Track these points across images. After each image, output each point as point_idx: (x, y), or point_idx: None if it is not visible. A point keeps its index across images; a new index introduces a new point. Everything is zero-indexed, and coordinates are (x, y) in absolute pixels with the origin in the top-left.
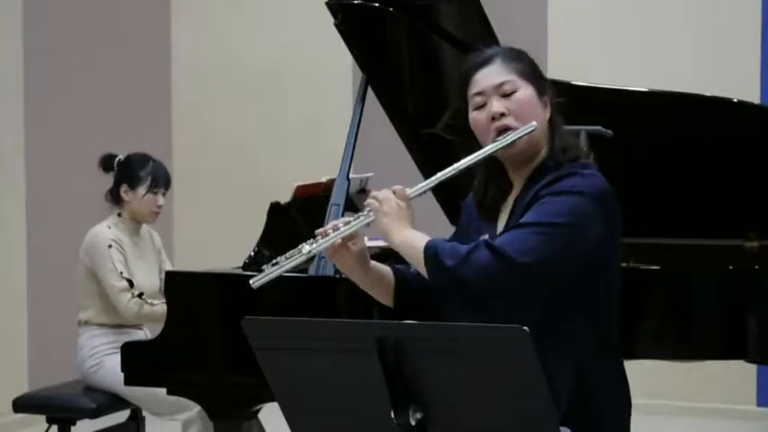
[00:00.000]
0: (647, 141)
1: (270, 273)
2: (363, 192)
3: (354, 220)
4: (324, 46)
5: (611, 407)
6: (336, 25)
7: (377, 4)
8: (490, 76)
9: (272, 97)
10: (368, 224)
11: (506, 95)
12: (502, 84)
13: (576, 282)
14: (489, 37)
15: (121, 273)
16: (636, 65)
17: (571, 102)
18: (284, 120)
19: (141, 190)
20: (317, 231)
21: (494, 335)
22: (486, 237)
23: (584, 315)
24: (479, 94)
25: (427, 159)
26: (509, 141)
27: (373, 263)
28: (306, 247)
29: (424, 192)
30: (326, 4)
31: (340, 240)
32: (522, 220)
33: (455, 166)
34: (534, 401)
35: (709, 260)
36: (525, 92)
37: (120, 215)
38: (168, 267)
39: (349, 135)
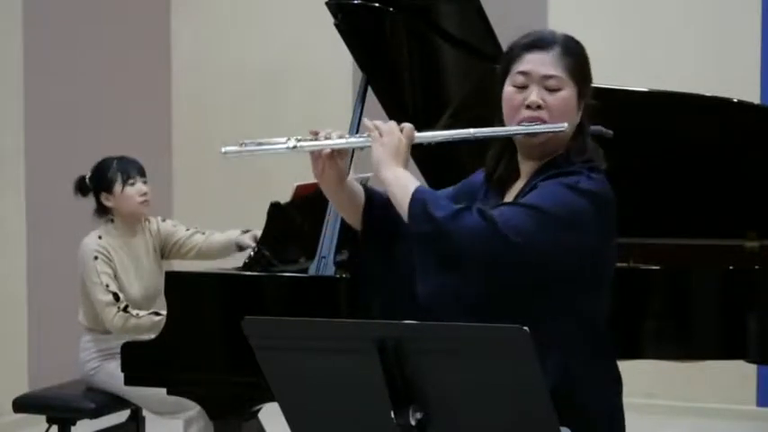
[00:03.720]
0: (647, 141)
1: (247, 149)
2: None
3: (351, 137)
4: (324, 46)
5: (599, 409)
6: (336, 25)
7: (377, 4)
8: (542, 63)
9: (272, 97)
10: (361, 148)
11: (550, 90)
12: (550, 77)
13: (567, 288)
14: (489, 37)
15: (107, 286)
16: (636, 65)
17: None
18: (284, 120)
19: (117, 188)
20: (312, 131)
21: (494, 335)
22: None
23: (574, 319)
24: (524, 74)
25: (427, 159)
26: (532, 131)
27: (348, 179)
28: (292, 141)
29: (431, 143)
30: (326, 4)
31: (330, 150)
32: (520, 200)
33: (472, 131)
34: (534, 401)
35: (710, 260)
36: (568, 93)
37: (112, 221)
38: (184, 232)
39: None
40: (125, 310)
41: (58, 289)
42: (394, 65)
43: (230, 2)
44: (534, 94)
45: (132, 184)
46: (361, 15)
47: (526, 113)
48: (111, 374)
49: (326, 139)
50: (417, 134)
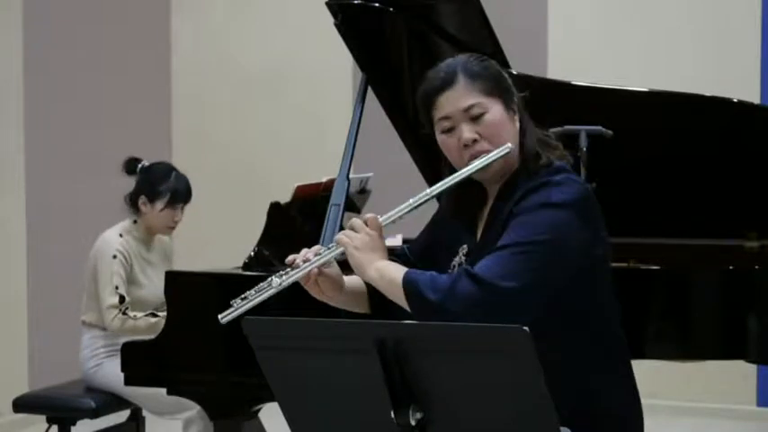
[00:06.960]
0: (648, 141)
1: (239, 307)
2: (363, 192)
3: (326, 250)
4: (324, 46)
5: (616, 422)
6: (336, 25)
7: (377, 4)
8: (455, 99)
9: (272, 97)
10: (341, 254)
11: (475, 118)
12: (469, 107)
13: (567, 289)
14: (489, 37)
15: (117, 287)
16: (636, 65)
17: (571, 102)
18: (284, 120)
19: (159, 204)
20: (288, 260)
21: (494, 335)
22: (465, 248)
23: (581, 325)
24: (446, 118)
25: (427, 159)
26: (481, 166)
27: (347, 279)
28: (276, 280)
29: (396, 219)
30: (326, 4)
31: (317, 270)
32: (500, 243)
33: (429, 191)
34: (534, 401)
35: (709, 260)
36: (494, 112)
37: (135, 222)
38: None
39: (349, 135)
40: (124, 312)
41: (58, 289)
42: (394, 65)
43: (230, 2)
44: (465, 132)
45: (174, 209)
46: (361, 15)
47: (467, 153)
48: (112, 373)
49: (304, 262)
50: (382, 218)
